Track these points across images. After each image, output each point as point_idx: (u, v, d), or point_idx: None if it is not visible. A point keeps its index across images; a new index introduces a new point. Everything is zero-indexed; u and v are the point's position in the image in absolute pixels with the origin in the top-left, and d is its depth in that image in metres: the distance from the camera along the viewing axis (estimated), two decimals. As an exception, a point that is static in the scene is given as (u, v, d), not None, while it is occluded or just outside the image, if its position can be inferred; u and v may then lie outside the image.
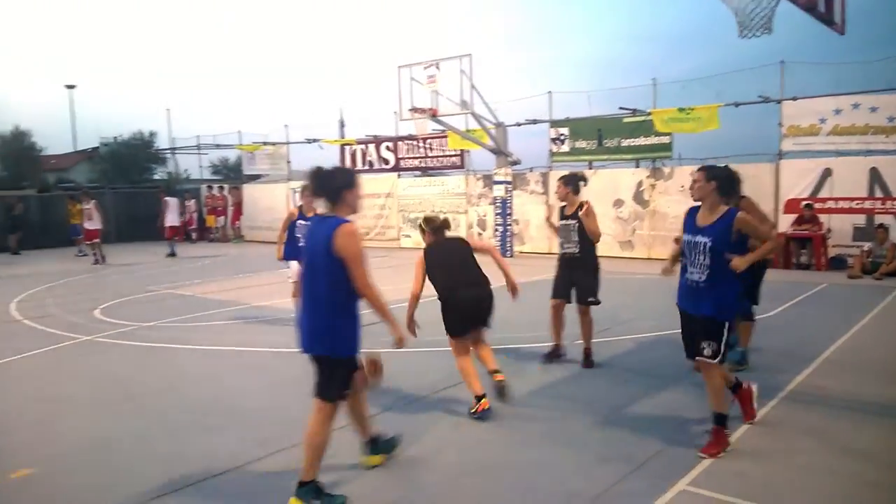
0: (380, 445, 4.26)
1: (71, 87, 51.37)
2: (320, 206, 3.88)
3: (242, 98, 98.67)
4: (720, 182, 4.37)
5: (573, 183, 6.49)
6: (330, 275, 3.63)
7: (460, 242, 5.56)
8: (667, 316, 8.45)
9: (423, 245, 5.50)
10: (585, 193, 6.70)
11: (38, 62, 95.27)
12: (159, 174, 39.70)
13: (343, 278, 3.62)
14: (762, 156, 14.75)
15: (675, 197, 14.87)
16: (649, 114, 15.73)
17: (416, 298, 5.22)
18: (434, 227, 5.46)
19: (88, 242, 18.34)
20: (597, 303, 6.45)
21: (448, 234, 5.57)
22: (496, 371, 5.25)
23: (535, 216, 17.36)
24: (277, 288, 12.17)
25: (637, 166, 16.54)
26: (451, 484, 4.06)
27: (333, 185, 3.75)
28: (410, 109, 15.58)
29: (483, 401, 5.05)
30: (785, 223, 13.84)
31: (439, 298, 5.27)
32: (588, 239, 6.37)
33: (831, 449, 4.44)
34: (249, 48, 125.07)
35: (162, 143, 36.72)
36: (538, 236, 17.35)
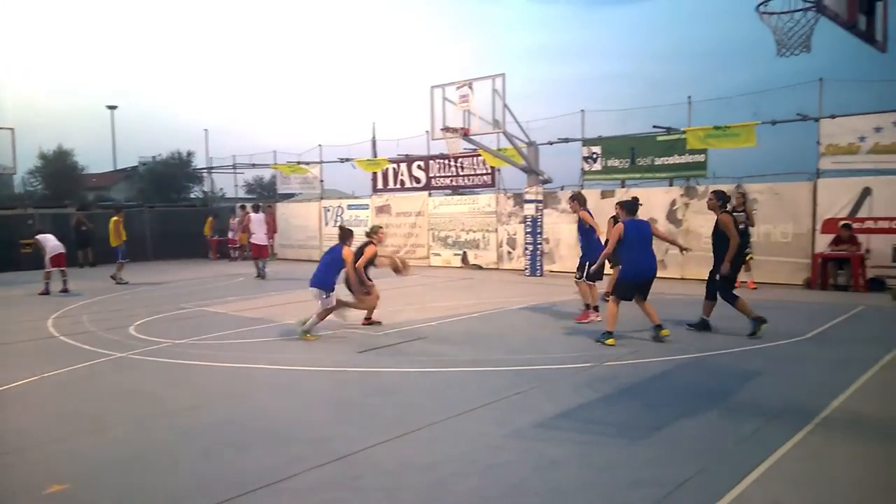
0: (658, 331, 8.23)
1: (112, 107, 53.03)
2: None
3: (278, 119, 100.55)
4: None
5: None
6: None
7: None
8: (701, 338, 8.38)
9: None
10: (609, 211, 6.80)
11: (80, 82, 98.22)
12: (195, 193, 40.55)
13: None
14: (800, 174, 14.55)
15: (709, 216, 14.55)
16: (684, 132, 15.61)
17: None
18: None
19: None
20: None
21: None
22: None
23: (566, 235, 17.29)
24: (307, 306, 12.26)
25: (671, 185, 16.40)
26: (479, 507, 3.99)
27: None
28: (442, 129, 15.66)
29: None
30: (822, 243, 13.57)
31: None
32: None
33: (871, 477, 4.30)
34: (285, 69, 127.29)
35: (199, 162, 37.59)
36: (568, 255, 17.27)
